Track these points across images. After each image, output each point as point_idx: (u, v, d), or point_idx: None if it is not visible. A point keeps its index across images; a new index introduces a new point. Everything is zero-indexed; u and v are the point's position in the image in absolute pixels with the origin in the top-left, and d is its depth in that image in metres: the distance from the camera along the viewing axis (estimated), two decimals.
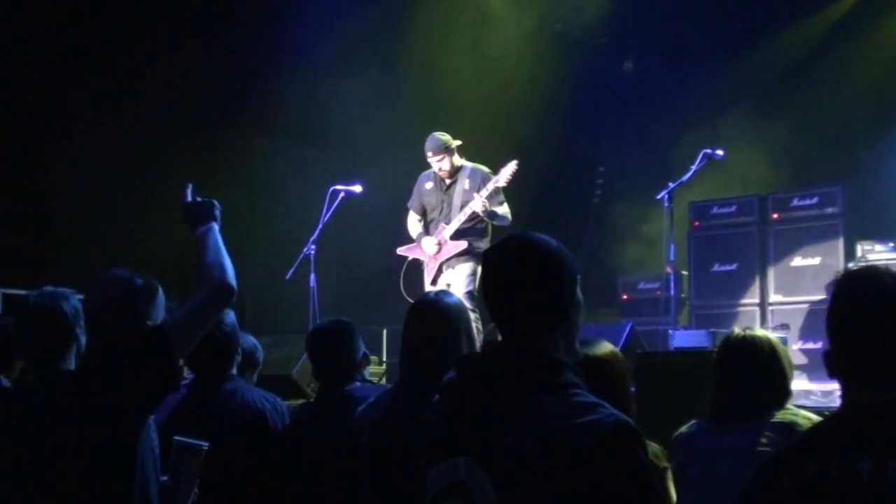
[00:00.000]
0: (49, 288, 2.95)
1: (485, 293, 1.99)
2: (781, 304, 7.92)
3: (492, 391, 1.89)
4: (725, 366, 3.11)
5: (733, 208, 8.37)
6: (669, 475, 3.13)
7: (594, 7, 9.94)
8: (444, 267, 6.93)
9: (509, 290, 1.94)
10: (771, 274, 8.04)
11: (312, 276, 7.15)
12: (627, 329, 6.80)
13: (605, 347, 3.04)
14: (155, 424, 2.79)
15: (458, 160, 6.98)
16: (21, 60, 7.79)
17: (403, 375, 3.12)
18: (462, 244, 6.83)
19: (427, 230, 7.09)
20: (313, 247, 7.16)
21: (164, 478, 2.79)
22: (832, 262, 7.69)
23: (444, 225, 6.93)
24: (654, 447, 3.14)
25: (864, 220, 7.91)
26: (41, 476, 2.52)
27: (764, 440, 2.88)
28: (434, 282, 6.89)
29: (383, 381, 7.25)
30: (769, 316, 7.92)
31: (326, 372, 3.68)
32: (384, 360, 8.17)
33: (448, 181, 6.99)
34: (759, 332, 3.17)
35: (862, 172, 8.22)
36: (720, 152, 7.06)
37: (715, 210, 8.46)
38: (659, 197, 7.08)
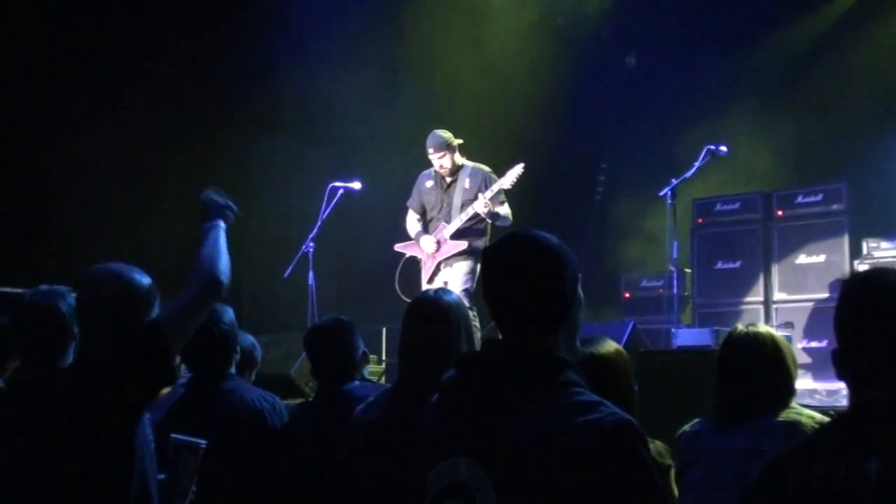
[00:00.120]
0: (45, 286, 2.96)
1: (485, 291, 1.99)
2: (786, 303, 7.90)
3: (492, 390, 1.89)
4: (728, 363, 3.10)
5: (737, 205, 8.36)
6: (672, 473, 3.13)
7: (596, 1, 9.94)
8: (442, 265, 6.94)
9: (510, 288, 1.95)
10: (775, 272, 8.03)
11: (311, 274, 7.16)
12: (629, 328, 6.81)
13: (610, 346, 3.06)
14: (152, 422, 2.79)
15: (459, 159, 6.99)
16: (18, 59, 7.79)
17: (402, 375, 3.12)
18: (462, 244, 6.83)
19: (426, 229, 7.09)
20: (312, 244, 7.16)
21: (162, 476, 2.80)
22: (837, 259, 7.68)
23: (444, 224, 6.94)
24: (658, 445, 3.14)
25: (870, 217, 7.89)
26: (38, 475, 2.52)
27: (767, 440, 2.88)
28: (431, 280, 6.90)
29: (383, 380, 7.25)
30: (773, 314, 7.90)
31: (325, 371, 3.68)
32: (383, 358, 8.18)
33: (448, 180, 7.00)
34: (763, 328, 3.16)
35: (868, 169, 8.20)
36: (724, 148, 7.05)
37: (718, 207, 8.45)
38: (662, 194, 7.08)
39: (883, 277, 1.82)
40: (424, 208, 7.16)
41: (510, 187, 6.78)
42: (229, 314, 3.52)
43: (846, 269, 7.56)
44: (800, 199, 8.06)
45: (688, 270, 8.48)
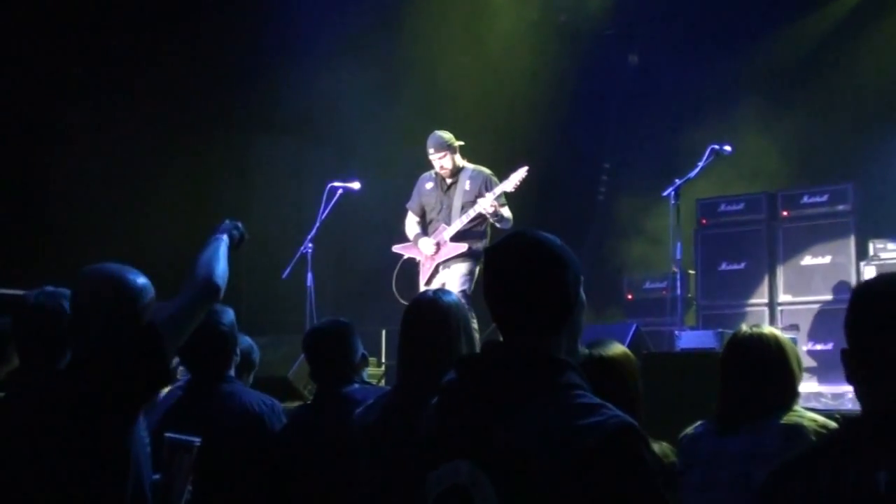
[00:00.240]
0: (50, 288, 2.97)
1: (486, 292, 1.99)
2: (791, 305, 7.90)
3: (493, 392, 1.90)
4: (731, 365, 3.11)
5: (741, 206, 8.36)
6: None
7: None
8: (440, 268, 6.95)
9: (511, 290, 1.95)
10: (780, 273, 8.03)
11: (310, 276, 7.16)
12: (632, 330, 6.80)
13: (617, 348, 3.10)
14: (149, 425, 2.79)
15: (459, 160, 7.00)
16: (14, 59, 7.80)
17: (402, 377, 3.12)
18: (462, 246, 6.84)
19: (425, 231, 7.10)
20: (311, 245, 7.16)
21: (157, 476, 2.80)
22: (843, 261, 7.68)
23: (443, 226, 6.94)
24: (664, 446, 3.16)
25: (877, 217, 7.88)
26: (33, 476, 2.53)
27: (767, 443, 2.88)
28: (429, 282, 6.91)
29: (382, 382, 7.26)
30: (778, 316, 7.90)
31: (324, 373, 3.68)
32: (383, 361, 8.19)
33: (449, 181, 7.01)
34: (767, 329, 3.16)
35: (874, 169, 8.20)
36: (728, 148, 7.05)
37: (723, 207, 8.45)
38: (665, 194, 7.08)
39: None
40: (424, 210, 7.16)
41: (513, 190, 6.78)
42: (229, 315, 3.53)
43: (852, 271, 7.57)
44: (805, 200, 8.06)
45: (691, 272, 8.48)
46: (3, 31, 7.66)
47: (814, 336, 7.53)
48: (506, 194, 6.84)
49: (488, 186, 6.84)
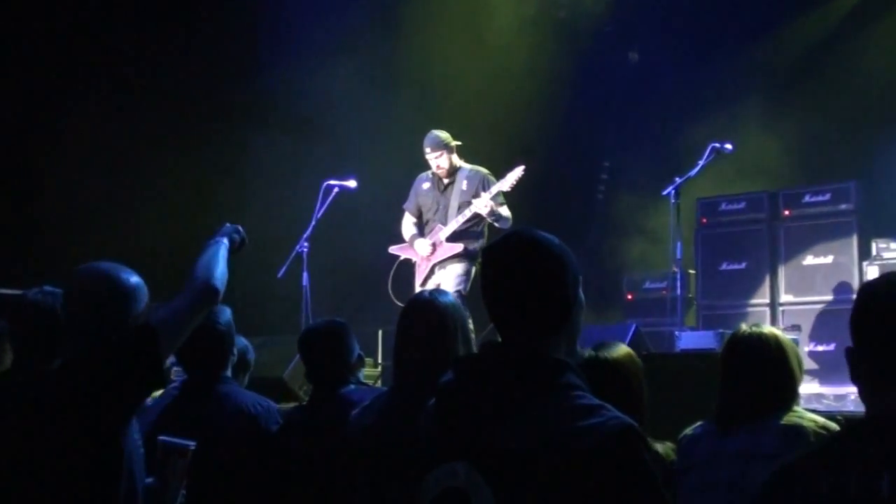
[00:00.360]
0: (48, 287, 2.97)
1: (484, 292, 1.99)
2: (792, 305, 7.92)
3: (491, 393, 1.90)
4: (730, 365, 3.12)
5: (742, 205, 8.37)
6: None
7: None
8: (436, 268, 6.95)
9: (510, 289, 1.95)
10: (782, 273, 8.04)
11: (305, 275, 7.16)
12: (632, 330, 6.80)
13: (622, 350, 3.14)
14: (144, 425, 2.80)
15: (456, 160, 7.00)
16: (8, 57, 7.80)
17: (398, 378, 3.12)
18: (458, 246, 6.84)
19: (422, 232, 7.10)
20: (306, 244, 7.16)
21: (150, 479, 2.80)
22: (845, 260, 7.69)
23: (440, 226, 6.95)
24: (667, 446, 3.17)
25: (880, 216, 7.89)
26: (23, 477, 2.53)
27: (766, 443, 2.89)
28: (424, 283, 6.91)
29: (378, 383, 7.26)
30: (780, 316, 7.92)
31: (320, 374, 3.68)
32: (379, 361, 8.18)
33: (446, 181, 7.01)
34: (767, 329, 3.17)
35: (877, 167, 8.21)
36: (729, 146, 7.06)
37: (723, 206, 8.46)
38: (665, 193, 7.09)
39: None
40: (421, 211, 7.16)
41: (509, 189, 6.79)
42: (226, 314, 3.53)
43: (855, 271, 7.58)
44: (807, 199, 8.07)
45: (692, 271, 8.49)
46: None
47: (816, 337, 7.54)
48: (504, 194, 6.84)
49: (485, 186, 6.85)
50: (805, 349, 7.28)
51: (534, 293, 1.93)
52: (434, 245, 6.95)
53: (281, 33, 9.07)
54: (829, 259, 7.81)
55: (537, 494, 1.76)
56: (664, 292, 8.55)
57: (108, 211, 8.13)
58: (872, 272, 7.29)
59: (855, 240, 7.70)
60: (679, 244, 7.05)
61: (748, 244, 8.24)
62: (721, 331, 6.13)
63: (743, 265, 8.24)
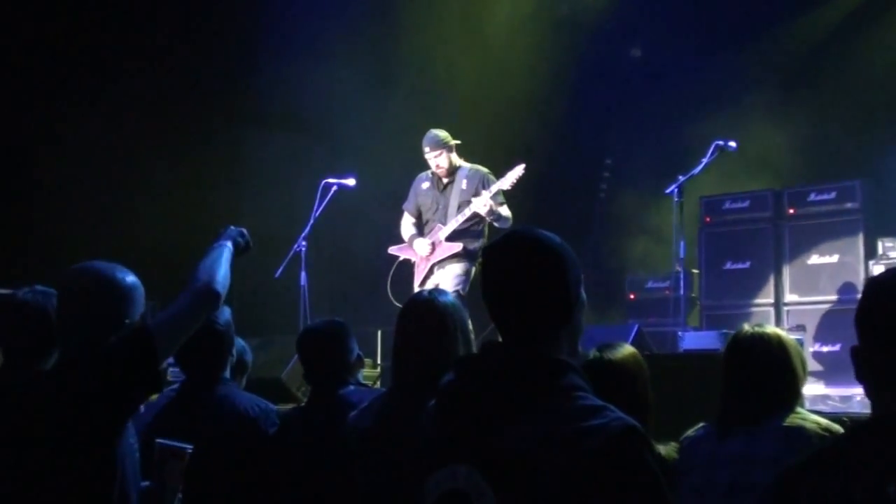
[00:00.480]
0: (40, 287, 2.97)
1: (484, 292, 1.99)
2: (797, 305, 7.91)
3: (492, 394, 1.90)
4: (733, 365, 3.12)
5: (746, 203, 8.36)
6: None
7: None
8: (435, 268, 6.95)
9: (511, 289, 1.95)
10: (786, 272, 8.04)
11: (303, 275, 7.16)
12: (634, 330, 6.80)
13: (626, 350, 3.16)
14: (140, 427, 2.79)
15: (456, 159, 7.00)
16: (6, 57, 7.80)
17: (397, 379, 3.12)
18: (457, 246, 6.84)
19: (421, 232, 7.10)
20: (304, 243, 7.16)
21: (146, 483, 2.80)
22: (851, 260, 7.69)
23: (439, 226, 6.95)
24: (670, 446, 3.17)
25: (886, 215, 7.88)
26: (15, 479, 2.53)
27: (767, 445, 2.89)
28: (423, 283, 6.91)
29: (378, 384, 7.25)
30: (784, 317, 7.91)
31: (318, 375, 3.68)
32: (379, 362, 8.17)
33: (445, 181, 7.01)
34: (770, 329, 3.17)
35: (883, 165, 8.20)
36: (733, 144, 7.06)
37: (727, 205, 8.46)
38: (668, 191, 7.09)
39: None
40: (420, 211, 7.16)
41: (510, 188, 6.78)
42: (226, 314, 3.53)
43: (860, 270, 7.57)
44: (812, 197, 8.06)
45: (695, 271, 8.49)
46: None
47: (821, 337, 7.53)
48: (504, 193, 6.84)
49: (485, 185, 6.84)
50: (810, 350, 7.27)
51: (535, 293, 1.93)
52: (433, 245, 6.95)
53: (278, 31, 9.06)
54: (835, 258, 7.80)
55: (539, 496, 1.76)
56: (667, 292, 8.55)
57: (105, 210, 8.14)
58: (878, 271, 7.29)
59: (861, 239, 7.70)
60: (682, 243, 7.05)
61: (752, 243, 8.23)
62: (725, 331, 6.12)
63: (747, 264, 8.24)
